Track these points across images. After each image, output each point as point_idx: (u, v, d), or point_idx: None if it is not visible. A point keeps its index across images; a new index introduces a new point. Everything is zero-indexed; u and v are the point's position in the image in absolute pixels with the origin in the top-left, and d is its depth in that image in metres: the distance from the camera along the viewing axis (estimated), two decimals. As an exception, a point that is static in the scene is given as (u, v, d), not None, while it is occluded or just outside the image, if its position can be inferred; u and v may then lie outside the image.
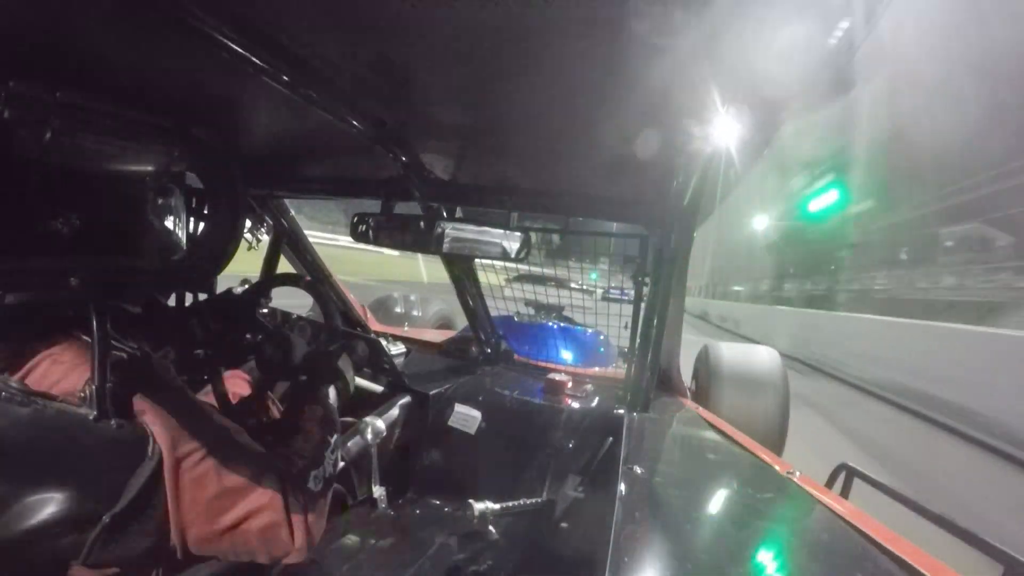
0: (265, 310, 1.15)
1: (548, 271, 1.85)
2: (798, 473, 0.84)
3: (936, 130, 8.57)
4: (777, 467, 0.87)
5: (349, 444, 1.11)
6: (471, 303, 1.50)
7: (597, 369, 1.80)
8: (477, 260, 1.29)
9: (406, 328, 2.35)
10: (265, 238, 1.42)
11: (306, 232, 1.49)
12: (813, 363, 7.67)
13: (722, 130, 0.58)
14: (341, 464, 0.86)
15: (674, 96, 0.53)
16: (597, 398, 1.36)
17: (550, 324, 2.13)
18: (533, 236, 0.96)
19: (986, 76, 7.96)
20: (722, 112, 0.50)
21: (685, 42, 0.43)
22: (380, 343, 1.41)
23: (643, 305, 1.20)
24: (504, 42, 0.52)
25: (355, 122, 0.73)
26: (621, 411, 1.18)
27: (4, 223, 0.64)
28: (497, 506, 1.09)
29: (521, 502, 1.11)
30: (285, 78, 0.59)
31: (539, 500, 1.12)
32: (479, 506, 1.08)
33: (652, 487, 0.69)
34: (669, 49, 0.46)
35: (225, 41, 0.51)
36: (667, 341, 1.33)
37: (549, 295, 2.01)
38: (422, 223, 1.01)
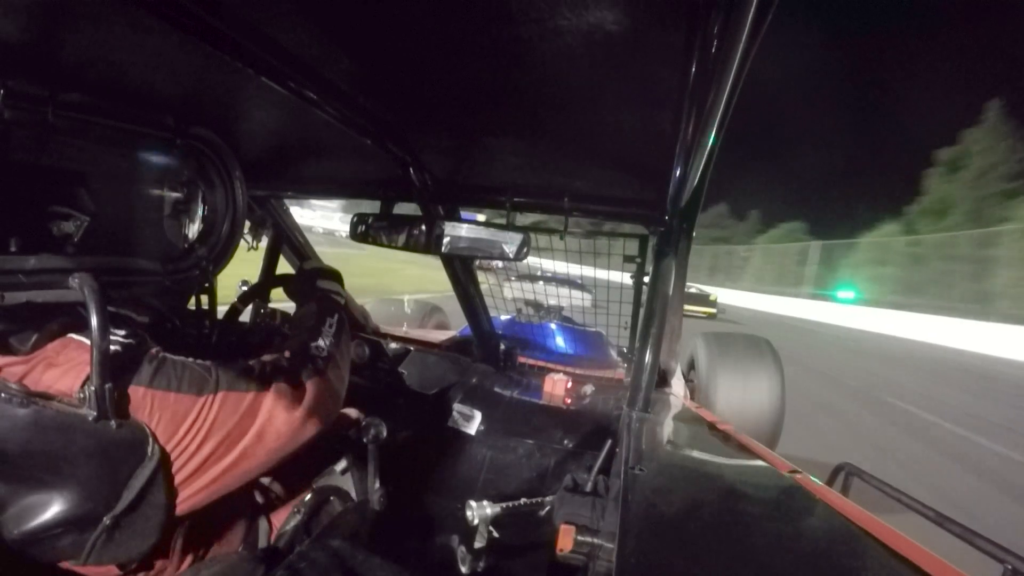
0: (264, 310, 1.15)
1: (548, 271, 1.85)
2: (800, 473, 0.84)
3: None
4: (778, 467, 0.87)
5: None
6: (471, 303, 1.50)
7: (597, 370, 1.80)
8: (477, 260, 1.29)
9: (405, 329, 2.35)
10: (264, 238, 1.42)
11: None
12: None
13: (724, 128, 0.58)
14: (342, 335, 0.86)
15: (675, 95, 0.53)
16: (597, 398, 1.35)
17: (550, 324, 2.13)
18: (533, 236, 0.96)
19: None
20: (724, 110, 0.50)
21: (685, 40, 0.43)
22: (380, 343, 1.41)
23: (643, 305, 1.20)
24: (503, 42, 0.52)
25: (355, 122, 0.73)
26: (621, 411, 1.18)
27: (4, 223, 0.64)
28: (497, 507, 1.09)
29: (521, 502, 1.11)
30: (285, 78, 0.59)
31: (539, 500, 1.12)
32: (479, 506, 1.08)
33: (654, 487, 0.69)
34: (669, 48, 0.46)
35: (225, 42, 0.51)
36: (667, 341, 1.33)
37: (549, 295, 2.01)
38: (422, 223, 1.00)
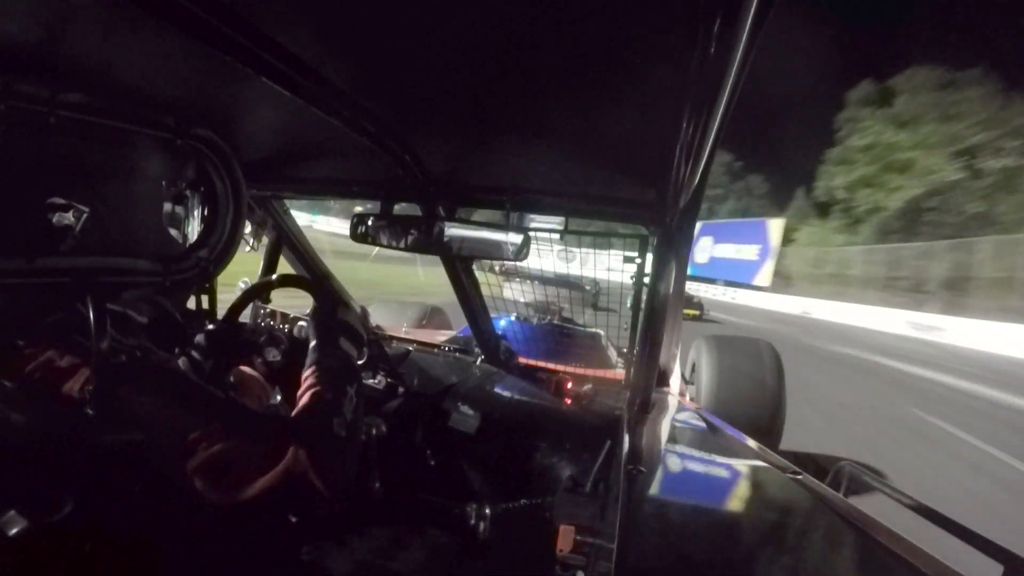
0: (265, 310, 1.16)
1: (548, 272, 1.85)
2: (800, 474, 0.84)
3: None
4: (778, 467, 0.87)
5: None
6: (471, 304, 1.50)
7: (597, 369, 1.80)
8: (477, 260, 1.29)
9: (405, 329, 2.35)
10: (264, 239, 1.42)
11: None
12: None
13: (724, 128, 0.58)
14: (362, 409, 0.84)
15: (675, 95, 0.53)
16: (597, 399, 1.35)
17: (550, 325, 2.13)
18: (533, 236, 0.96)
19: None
20: (724, 110, 0.50)
21: (685, 40, 0.43)
22: (380, 343, 1.41)
23: (643, 305, 1.20)
24: (503, 43, 0.52)
25: (355, 122, 0.73)
26: (621, 412, 1.18)
27: (4, 222, 0.64)
28: (497, 507, 1.09)
29: (521, 502, 1.11)
30: (285, 78, 0.59)
31: (539, 500, 1.12)
32: (479, 506, 1.08)
33: (653, 488, 0.69)
34: (669, 48, 0.46)
35: (225, 42, 0.51)
36: (667, 341, 1.33)
37: (549, 296, 2.01)
38: (422, 223, 1.00)
